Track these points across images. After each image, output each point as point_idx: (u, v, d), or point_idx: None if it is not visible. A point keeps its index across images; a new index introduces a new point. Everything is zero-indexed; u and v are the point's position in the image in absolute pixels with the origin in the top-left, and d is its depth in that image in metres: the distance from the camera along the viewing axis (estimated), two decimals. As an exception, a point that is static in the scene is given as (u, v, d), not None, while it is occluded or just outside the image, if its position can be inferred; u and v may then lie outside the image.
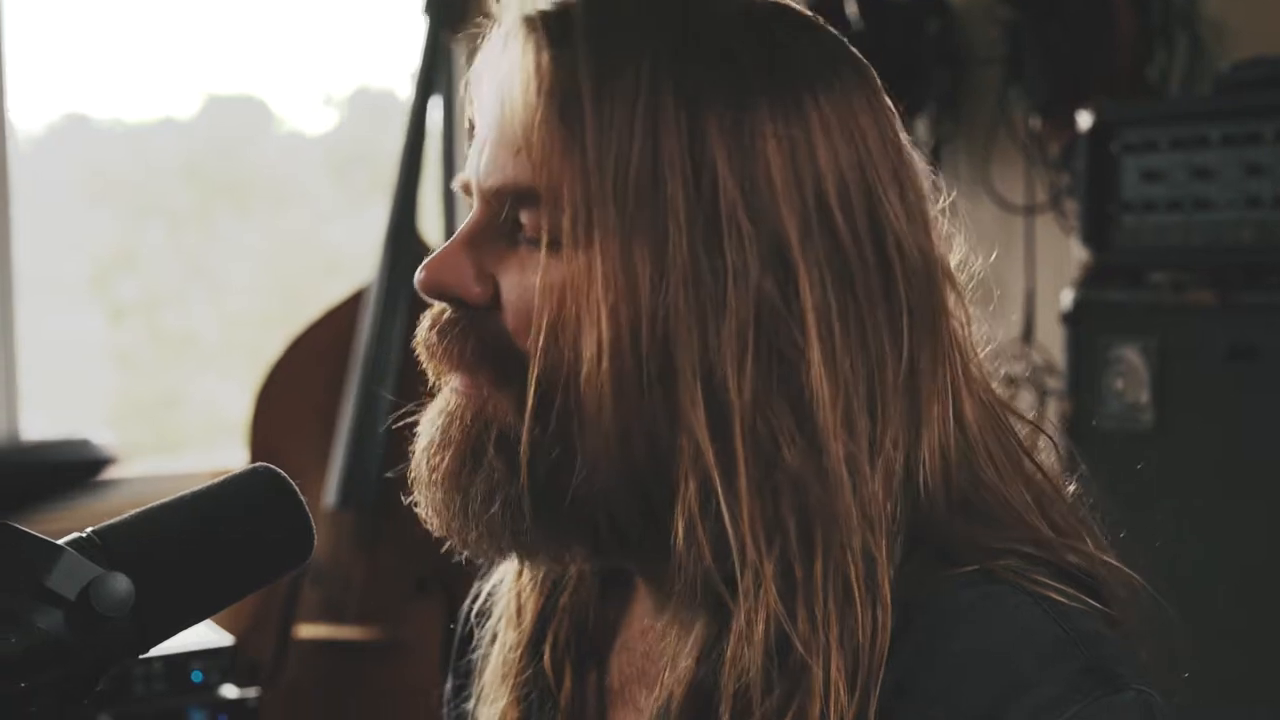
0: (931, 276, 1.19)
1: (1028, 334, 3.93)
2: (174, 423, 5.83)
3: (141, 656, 1.03)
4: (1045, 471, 1.25)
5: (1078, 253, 3.28)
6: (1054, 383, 3.61)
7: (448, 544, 1.24)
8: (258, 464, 1.09)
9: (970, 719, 1.07)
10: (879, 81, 1.22)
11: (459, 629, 1.48)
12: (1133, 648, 1.16)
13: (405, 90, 4.24)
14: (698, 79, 1.10)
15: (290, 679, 3.94)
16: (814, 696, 1.09)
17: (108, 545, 1.00)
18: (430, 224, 4.41)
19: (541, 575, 1.35)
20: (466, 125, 1.22)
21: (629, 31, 1.12)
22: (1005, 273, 4.05)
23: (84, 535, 1.00)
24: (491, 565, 1.39)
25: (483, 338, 1.16)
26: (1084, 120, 3.19)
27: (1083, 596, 1.14)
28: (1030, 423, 1.28)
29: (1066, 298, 3.21)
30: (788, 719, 1.09)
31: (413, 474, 1.22)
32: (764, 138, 1.10)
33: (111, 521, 1.02)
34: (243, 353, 5.90)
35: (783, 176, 1.11)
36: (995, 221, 4.11)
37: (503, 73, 1.15)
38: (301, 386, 4.09)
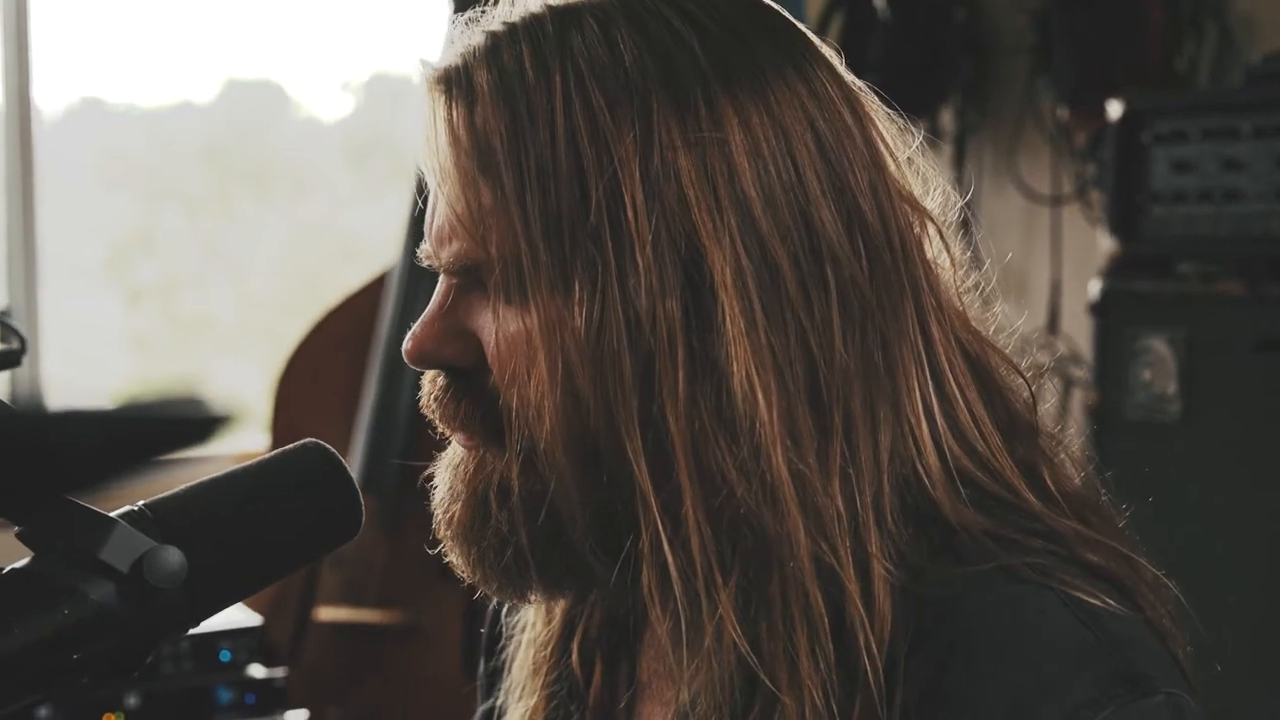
0: (896, 246, 1.16)
1: (1053, 324, 3.93)
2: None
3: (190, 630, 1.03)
4: (1043, 429, 1.23)
5: (1103, 243, 3.28)
6: (1079, 373, 3.60)
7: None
8: (307, 440, 1.09)
9: None
10: (789, 22, 1.19)
11: (488, 627, 1.48)
12: (1162, 647, 1.14)
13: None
14: (605, 104, 1.10)
15: (309, 661, 3.94)
16: (789, 713, 1.09)
17: (160, 518, 1.00)
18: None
19: None
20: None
21: (531, 70, 1.12)
22: (1031, 263, 4.05)
23: (136, 508, 1.00)
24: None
25: (474, 398, 1.18)
26: (1114, 110, 3.18)
27: (1102, 596, 1.12)
28: (1016, 369, 1.24)
29: (1094, 288, 3.21)
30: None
31: (436, 526, 1.24)
32: (674, 150, 1.09)
33: (163, 495, 1.01)
34: (259, 337, 5.91)
35: (696, 187, 1.09)
36: (1021, 211, 4.11)
37: (428, 139, 1.16)
38: (323, 371, 4.09)
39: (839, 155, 1.14)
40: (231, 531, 1.03)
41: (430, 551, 1.26)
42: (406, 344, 1.20)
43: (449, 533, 1.21)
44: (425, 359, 1.20)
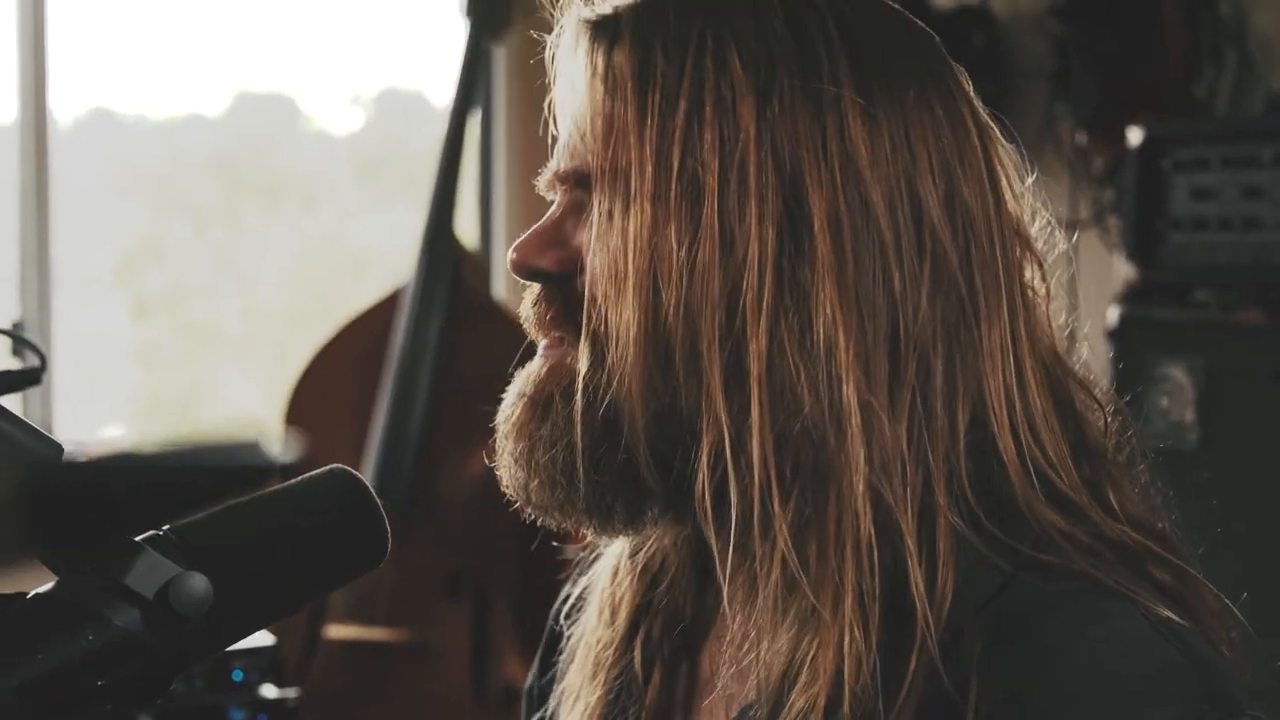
0: (996, 249, 1.22)
1: (1070, 349, 3.92)
2: (196, 417, 5.84)
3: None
4: (1112, 458, 1.27)
5: (1121, 269, 3.27)
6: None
7: (510, 514, 1.30)
8: (334, 466, 1.08)
9: None
10: (940, 49, 1.27)
11: (545, 637, 1.51)
12: (1239, 670, 1.16)
13: (433, 91, 4.24)
14: (736, 52, 1.18)
15: (317, 679, 3.94)
16: (827, 645, 1.12)
17: (185, 543, 0.99)
18: (467, 227, 4.41)
19: (638, 571, 1.37)
20: (551, 127, 1.31)
21: (674, 17, 1.20)
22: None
23: (161, 533, 0.99)
24: (563, 533, 1.41)
25: (565, 300, 1.24)
26: (1134, 137, 3.18)
27: (1178, 620, 1.13)
28: (1091, 393, 1.29)
29: (1112, 314, 3.20)
30: (799, 664, 1.13)
31: (498, 435, 1.29)
32: (791, 97, 1.17)
33: (190, 519, 1.00)
34: (267, 348, 5.92)
35: (807, 131, 1.17)
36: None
37: (571, 72, 1.25)
38: (336, 387, 4.09)
39: (954, 151, 1.21)
40: (257, 558, 1.03)
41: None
42: (511, 254, 1.27)
43: (506, 429, 1.26)
44: (525, 267, 1.26)
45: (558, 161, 1.27)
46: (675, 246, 1.17)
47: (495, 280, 4.52)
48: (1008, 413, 1.19)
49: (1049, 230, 1.31)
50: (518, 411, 1.26)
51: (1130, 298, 3.19)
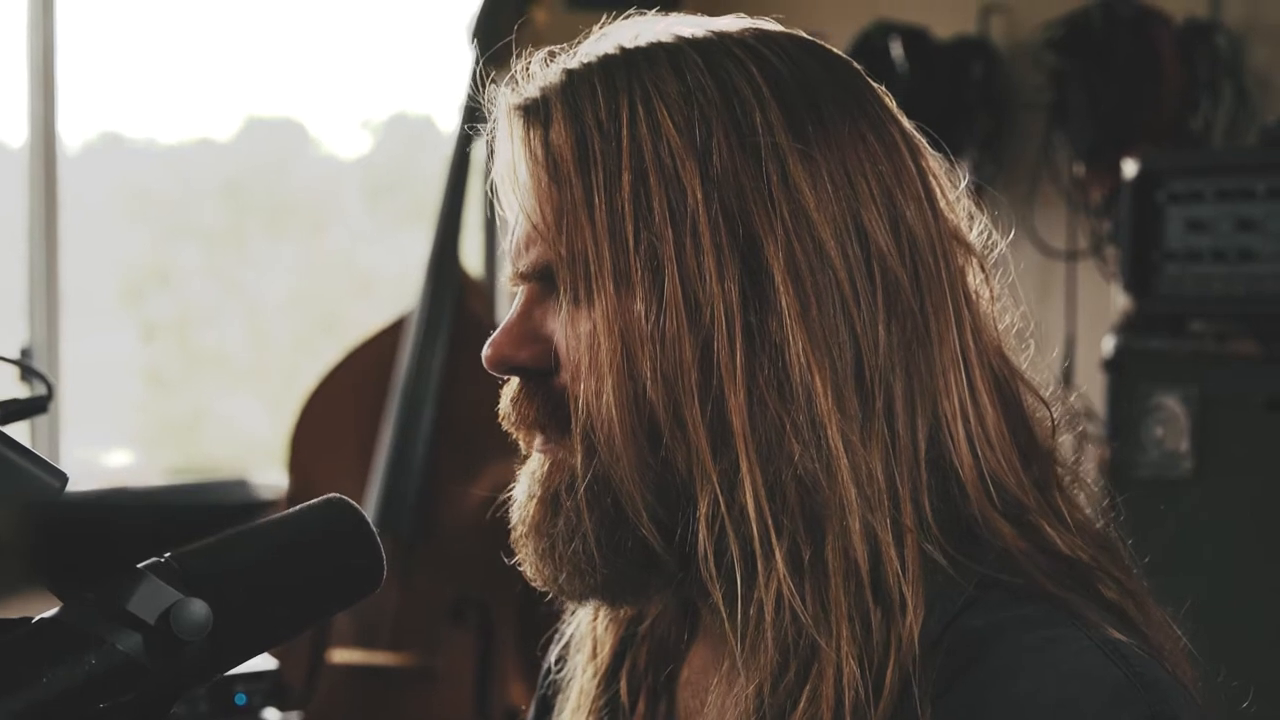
0: (940, 263, 1.24)
1: (1067, 379, 3.94)
2: (202, 442, 5.85)
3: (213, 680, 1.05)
4: (1060, 460, 1.30)
5: (1118, 299, 3.29)
6: (1093, 429, 3.61)
7: (518, 586, 1.34)
8: (331, 495, 1.10)
9: None
10: (860, 74, 1.30)
11: (544, 664, 1.54)
12: (1188, 691, 1.19)
13: (440, 116, 4.26)
14: (668, 116, 1.21)
15: (321, 703, 3.95)
16: (826, 677, 1.15)
17: (186, 570, 1.01)
18: (472, 254, 4.42)
19: (621, 610, 1.41)
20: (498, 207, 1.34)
21: (607, 98, 1.23)
22: (1046, 317, 4.06)
23: (163, 560, 1.01)
24: (576, 608, 1.45)
25: (547, 395, 1.26)
26: (1129, 169, 3.20)
27: (1125, 640, 1.17)
28: (1037, 393, 1.32)
29: (1107, 344, 3.22)
30: (803, 700, 1.15)
31: (513, 529, 1.32)
32: (730, 152, 1.20)
33: (190, 547, 1.03)
34: (274, 373, 5.93)
35: (751, 182, 1.19)
36: (1036, 266, 4.12)
37: (507, 160, 1.28)
38: (341, 412, 4.11)
39: (891, 175, 1.24)
40: (256, 585, 1.05)
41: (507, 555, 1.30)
42: (486, 350, 1.28)
43: (523, 530, 1.29)
44: (502, 363, 1.28)
45: (516, 257, 1.28)
46: (643, 320, 1.19)
47: (499, 307, 4.54)
48: (963, 425, 1.23)
49: (986, 232, 1.33)
50: (530, 512, 1.28)
51: (1126, 328, 3.21)
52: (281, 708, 2.89)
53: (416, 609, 3.92)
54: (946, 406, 1.22)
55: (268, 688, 2.79)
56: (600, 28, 1.31)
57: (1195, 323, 3.14)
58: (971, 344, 1.26)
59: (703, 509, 1.18)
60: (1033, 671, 1.13)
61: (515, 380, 1.30)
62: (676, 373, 1.18)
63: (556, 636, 1.51)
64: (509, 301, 1.31)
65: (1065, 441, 1.32)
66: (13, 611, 0.97)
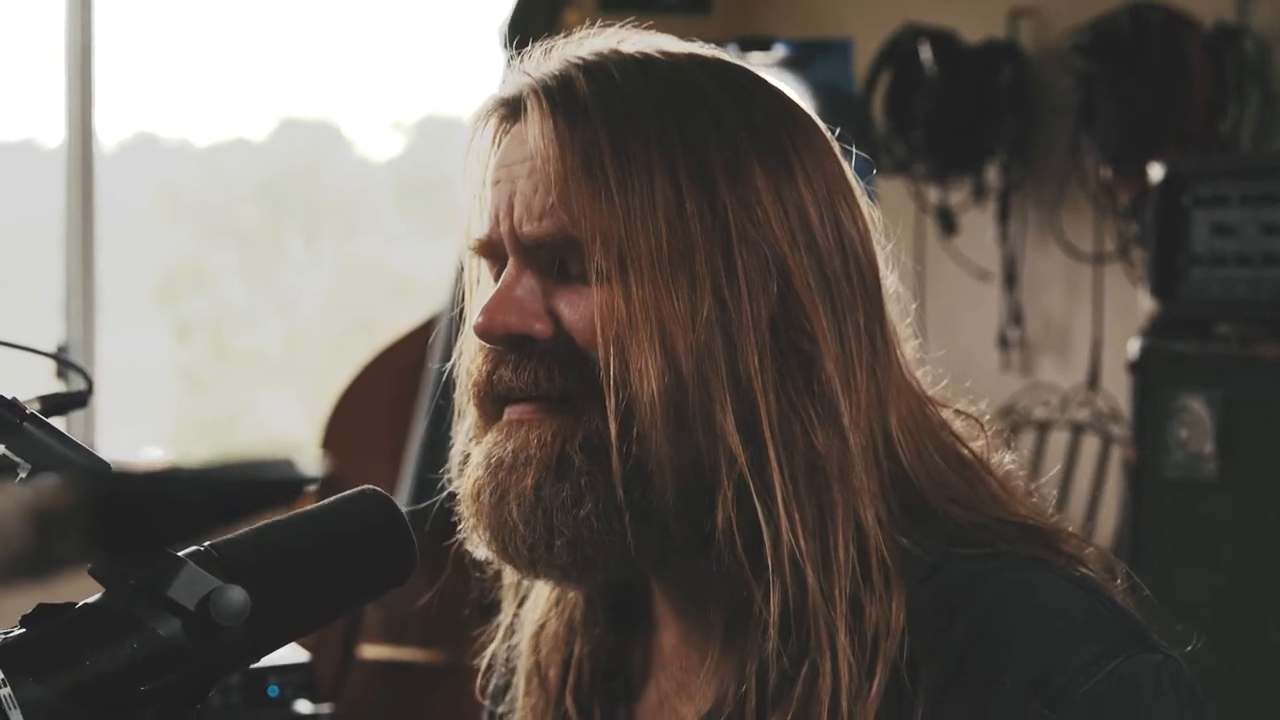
0: (874, 281, 1.32)
1: (1093, 381, 3.95)
2: (236, 442, 5.88)
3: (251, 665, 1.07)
4: (975, 453, 1.35)
5: (1145, 302, 3.30)
6: (1119, 430, 3.62)
7: (497, 565, 1.40)
8: (365, 487, 1.13)
9: (1022, 688, 1.17)
10: (824, 130, 1.36)
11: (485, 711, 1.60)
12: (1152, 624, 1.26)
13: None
14: (695, 131, 1.26)
15: (351, 698, 3.96)
16: (824, 657, 1.20)
17: (225, 558, 1.04)
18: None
19: (562, 631, 1.45)
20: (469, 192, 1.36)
21: (630, 95, 1.27)
22: (1073, 320, 4.07)
23: (203, 548, 1.04)
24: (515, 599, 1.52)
25: (561, 359, 1.27)
26: (1156, 173, 3.21)
27: (1094, 576, 1.26)
28: (942, 404, 1.37)
29: (1133, 346, 3.24)
30: (800, 680, 1.21)
31: (468, 503, 1.35)
32: (755, 174, 1.26)
33: (229, 536, 1.06)
34: (307, 373, 5.96)
35: (773, 206, 1.25)
36: (1063, 268, 4.13)
37: (526, 138, 1.28)
38: (373, 411, 4.12)
39: (855, 207, 1.32)
40: (292, 573, 1.08)
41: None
42: (478, 319, 1.31)
43: (503, 500, 1.29)
44: (506, 330, 1.29)
45: (519, 224, 1.29)
46: (679, 310, 1.23)
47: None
48: (910, 414, 1.31)
49: (890, 256, 1.38)
50: (528, 477, 1.27)
51: (1151, 331, 3.23)
52: (313, 700, 2.90)
53: (446, 605, 3.93)
54: (894, 396, 1.29)
55: (299, 680, 2.81)
56: (598, 28, 1.35)
57: (1220, 325, 3.15)
58: (900, 346, 1.33)
59: (729, 495, 1.22)
60: (1011, 609, 1.21)
61: (491, 351, 1.32)
62: (708, 365, 1.22)
63: (486, 666, 1.55)
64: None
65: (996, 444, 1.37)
66: (56, 598, 0.99)
